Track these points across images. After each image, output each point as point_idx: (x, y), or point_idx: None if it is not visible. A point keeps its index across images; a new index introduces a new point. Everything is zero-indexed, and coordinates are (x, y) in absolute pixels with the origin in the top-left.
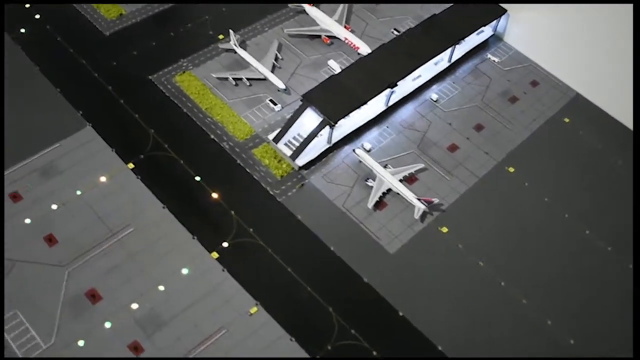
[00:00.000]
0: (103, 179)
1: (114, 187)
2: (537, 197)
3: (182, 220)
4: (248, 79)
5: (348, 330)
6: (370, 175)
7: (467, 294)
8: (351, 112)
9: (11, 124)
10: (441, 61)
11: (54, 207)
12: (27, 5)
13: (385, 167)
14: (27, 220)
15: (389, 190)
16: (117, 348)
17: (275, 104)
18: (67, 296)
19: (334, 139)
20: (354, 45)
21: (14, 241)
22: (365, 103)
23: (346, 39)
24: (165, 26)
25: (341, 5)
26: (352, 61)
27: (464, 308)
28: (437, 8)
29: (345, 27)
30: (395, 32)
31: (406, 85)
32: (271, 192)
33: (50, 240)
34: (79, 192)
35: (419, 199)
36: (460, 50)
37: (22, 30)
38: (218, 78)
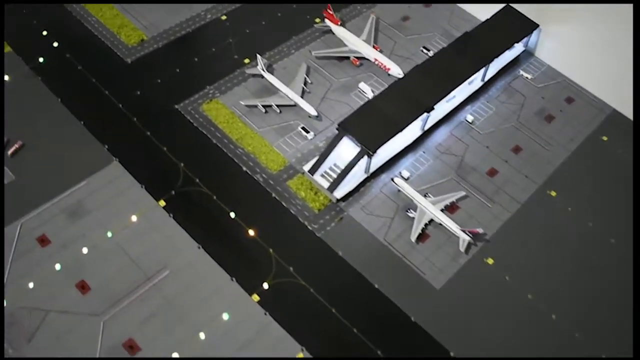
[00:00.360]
0: (134, 218)
1: (146, 226)
2: (581, 222)
3: (219, 260)
4: (278, 106)
5: None
6: (410, 205)
7: (518, 330)
8: (390, 139)
9: (34, 160)
10: (474, 80)
11: (85, 250)
12: (45, 33)
13: (425, 196)
14: (57, 266)
15: (431, 220)
16: None
17: (307, 132)
18: (105, 348)
19: (371, 168)
20: (385, 66)
21: (45, 289)
22: (403, 129)
23: (376, 59)
24: (188, 51)
25: (368, 24)
26: (383, 83)
27: (516, 346)
28: (465, 23)
29: (374, 47)
30: (424, 50)
31: (441, 107)
32: (309, 227)
33: (83, 287)
34: (109, 234)
35: (463, 230)
36: (493, 68)
37: (41, 60)
38: (247, 106)
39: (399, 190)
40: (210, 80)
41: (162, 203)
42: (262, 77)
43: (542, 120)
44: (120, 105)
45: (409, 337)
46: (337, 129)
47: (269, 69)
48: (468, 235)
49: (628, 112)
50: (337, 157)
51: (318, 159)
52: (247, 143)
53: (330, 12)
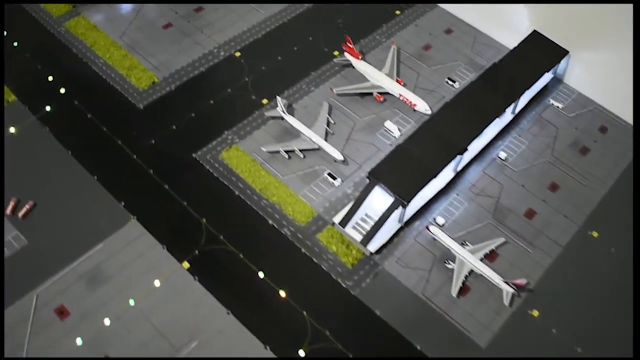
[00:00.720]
0: (157, 283)
1: (171, 292)
2: (626, 265)
3: (250, 327)
4: (301, 150)
5: None
6: (448, 255)
7: None
8: (424, 187)
9: (47, 222)
10: (505, 113)
11: (107, 322)
12: (50, 78)
13: (462, 244)
14: (79, 341)
15: (471, 271)
16: None
17: (334, 178)
18: None
19: (405, 217)
20: (410, 102)
21: None
22: (437, 175)
23: (401, 95)
24: (203, 93)
25: (390, 55)
26: (409, 119)
27: None
28: (489, 49)
29: (397, 80)
30: (450, 82)
31: (473, 146)
32: (344, 285)
33: None
34: (132, 302)
35: (507, 282)
36: (523, 99)
37: (48, 109)
38: (269, 152)
39: (435, 239)
40: (228, 125)
41: (186, 265)
42: (283, 118)
43: (577, 152)
44: (135, 156)
45: None
46: (367, 178)
47: (289, 109)
48: (512, 288)
49: None
50: (369, 206)
51: (349, 211)
52: (272, 193)
53: (350, 46)
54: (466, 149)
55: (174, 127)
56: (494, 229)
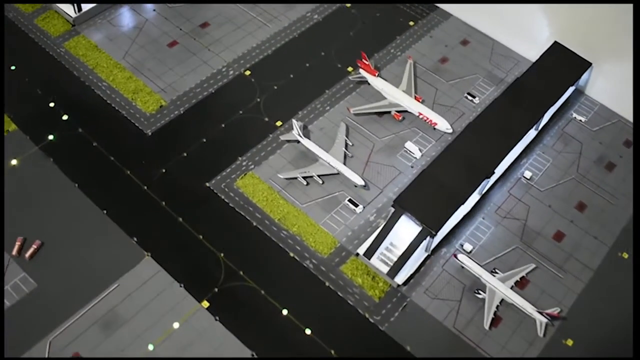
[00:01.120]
0: (176, 325)
1: (191, 335)
2: None
3: None
4: (319, 176)
5: None
6: (478, 284)
7: None
8: (452, 214)
9: (57, 262)
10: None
11: None
12: (52, 105)
13: (492, 272)
14: None
15: (502, 300)
16: None
17: (356, 205)
18: None
19: (432, 245)
20: (430, 120)
21: None
22: (465, 201)
23: (420, 113)
24: (213, 116)
25: (406, 70)
26: (430, 139)
27: None
28: (507, 60)
29: (415, 97)
30: (469, 97)
31: (499, 167)
32: (371, 320)
33: None
34: (151, 347)
35: (540, 312)
36: (547, 114)
37: (50, 137)
38: (286, 178)
39: (463, 267)
40: (242, 150)
41: (206, 304)
42: (299, 142)
43: (603, 169)
44: (145, 187)
45: None
46: (392, 206)
47: (305, 131)
48: (546, 318)
49: None
50: (394, 236)
51: (374, 241)
52: (291, 223)
53: (366, 62)
54: (493, 172)
55: (185, 154)
56: (522, 253)
